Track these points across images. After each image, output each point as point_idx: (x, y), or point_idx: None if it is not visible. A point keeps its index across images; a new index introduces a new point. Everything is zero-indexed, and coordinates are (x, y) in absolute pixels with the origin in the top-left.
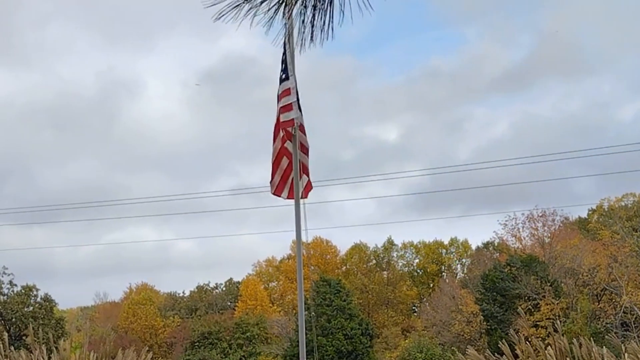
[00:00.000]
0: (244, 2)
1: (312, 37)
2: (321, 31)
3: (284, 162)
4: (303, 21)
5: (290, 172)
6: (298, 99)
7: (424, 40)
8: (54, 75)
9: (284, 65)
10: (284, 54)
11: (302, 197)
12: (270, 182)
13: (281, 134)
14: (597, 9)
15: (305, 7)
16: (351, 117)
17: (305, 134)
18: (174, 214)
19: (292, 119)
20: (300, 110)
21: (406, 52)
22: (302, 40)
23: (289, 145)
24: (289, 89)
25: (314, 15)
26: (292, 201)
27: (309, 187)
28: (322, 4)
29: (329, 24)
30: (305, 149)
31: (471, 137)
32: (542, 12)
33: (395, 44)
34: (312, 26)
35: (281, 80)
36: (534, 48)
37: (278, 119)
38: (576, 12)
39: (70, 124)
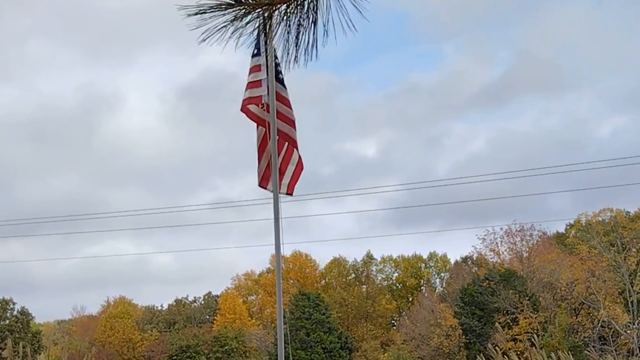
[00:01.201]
0: (229, 24)
1: (296, 57)
2: (305, 52)
3: (269, 148)
4: (287, 40)
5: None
6: (280, 72)
7: (403, 57)
8: (33, 89)
9: (256, 42)
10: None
11: (287, 192)
12: (257, 170)
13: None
14: (575, 26)
15: (290, 27)
16: (331, 133)
17: (291, 108)
18: (152, 228)
19: (260, 96)
20: (283, 85)
21: (385, 68)
22: (286, 61)
23: (266, 116)
24: (259, 65)
25: (297, 36)
26: (272, 213)
27: (299, 167)
28: (306, 25)
29: (313, 45)
30: (290, 121)
31: (450, 153)
32: (520, 30)
33: (374, 60)
34: (297, 47)
35: (253, 56)
36: (512, 65)
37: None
38: (554, 29)
39: (50, 138)
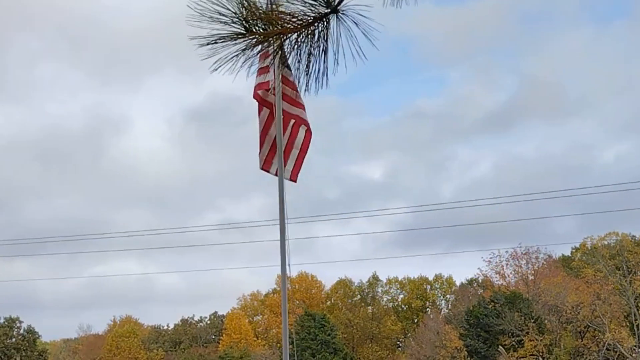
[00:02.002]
0: (240, 53)
1: (307, 86)
2: (316, 80)
3: (273, 130)
4: (298, 69)
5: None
6: (285, 59)
7: (409, 82)
8: (41, 111)
9: None
10: None
11: (291, 178)
12: (259, 155)
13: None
14: (579, 52)
15: (300, 58)
16: (337, 156)
17: (298, 92)
18: (158, 248)
19: (268, 81)
20: (289, 69)
21: (391, 93)
22: (297, 89)
23: (273, 99)
24: (267, 51)
25: (308, 65)
26: (278, 235)
27: (303, 151)
28: (317, 54)
29: (323, 73)
30: (298, 104)
31: (455, 176)
32: (524, 56)
33: (380, 84)
34: (307, 75)
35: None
36: (516, 90)
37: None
38: (558, 55)
39: (57, 159)
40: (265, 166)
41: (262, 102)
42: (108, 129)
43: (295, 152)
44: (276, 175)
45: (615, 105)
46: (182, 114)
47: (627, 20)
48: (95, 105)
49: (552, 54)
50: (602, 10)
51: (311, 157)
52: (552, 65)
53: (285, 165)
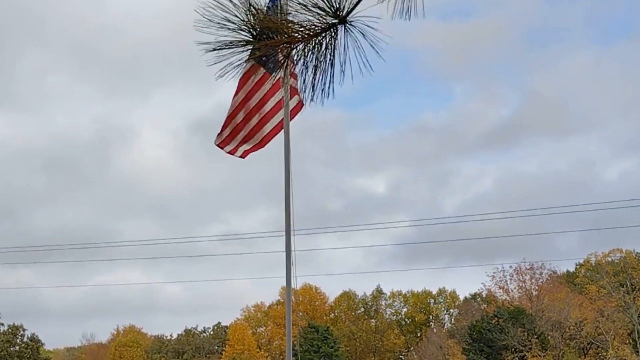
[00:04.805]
0: (245, 62)
1: (312, 96)
2: (322, 91)
3: (240, 116)
4: (304, 81)
5: (242, 126)
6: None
7: (413, 96)
8: (50, 122)
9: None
10: None
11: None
12: (218, 134)
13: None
14: (583, 70)
15: (307, 67)
16: (340, 169)
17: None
18: (162, 258)
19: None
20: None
21: (396, 107)
22: (303, 99)
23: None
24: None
25: (314, 76)
26: (282, 247)
27: (278, 128)
28: (323, 65)
29: (329, 84)
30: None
31: (458, 191)
32: (528, 72)
33: (384, 98)
34: (313, 86)
35: None
36: (520, 106)
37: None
38: (562, 72)
39: (64, 169)
40: (221, 144)
41: (242, 102)
42: (115, 140)
43: (261, 134)
44: (230, 154)
45: (618, 123)
46: (188, 125)
47: (631, 39)
48: (103, 116)
49: (557, 70)
50: (607, 29)
51: (315, 169)
52: (556, 82)
53: (253, 138)
